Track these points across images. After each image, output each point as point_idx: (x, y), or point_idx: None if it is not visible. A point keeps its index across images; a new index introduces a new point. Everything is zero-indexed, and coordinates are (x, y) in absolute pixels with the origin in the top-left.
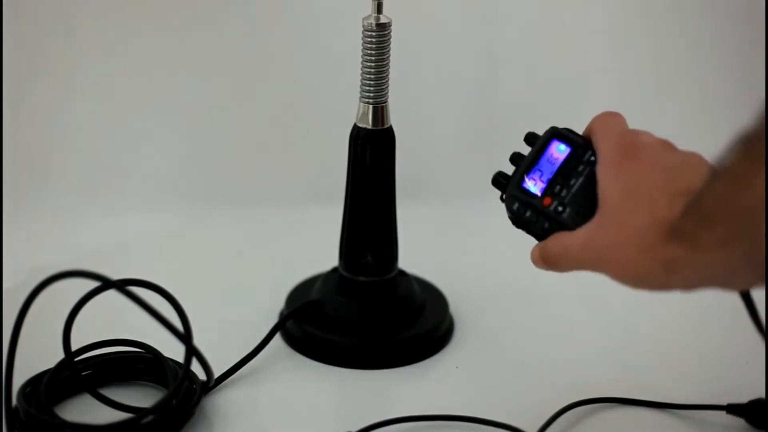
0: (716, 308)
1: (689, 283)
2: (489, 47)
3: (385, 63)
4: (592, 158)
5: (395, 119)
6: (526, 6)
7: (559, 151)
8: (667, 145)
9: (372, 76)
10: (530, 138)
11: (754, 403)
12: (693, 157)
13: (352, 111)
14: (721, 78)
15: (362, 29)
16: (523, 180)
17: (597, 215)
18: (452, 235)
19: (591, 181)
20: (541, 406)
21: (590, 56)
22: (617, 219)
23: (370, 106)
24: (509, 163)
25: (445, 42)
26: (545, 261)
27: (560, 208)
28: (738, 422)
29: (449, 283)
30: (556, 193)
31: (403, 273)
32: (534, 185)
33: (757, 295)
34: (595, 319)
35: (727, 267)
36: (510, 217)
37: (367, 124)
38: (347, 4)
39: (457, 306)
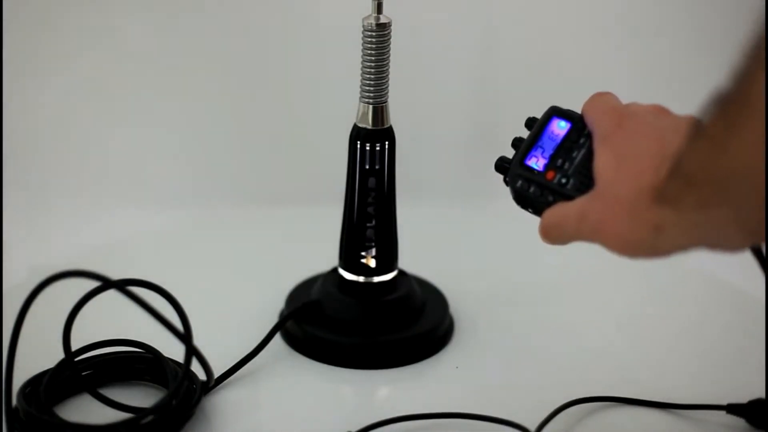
0: (716, 308)
1: (678, 244)
2: (489, 47)
3: (385, 63)
4: None
5: (395, 119)
6: (526, 6)
7: (559, 127)
8: (659, 111)
9: (372, 76)
10: (530, 122)
11: (754, 403)
12: (686, 120)
13: (352, 111)
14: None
15: (362, 29)
16: (525, 158)
17: (594, 187)
18: (452, 235)
19: (592, 152)
20: (541, 406)
21: (591, 56)
22: (609, 189)
23: (370, 106)
24: (512, 149)
25: (445, 42)
26: (544, 232)
27: (564, 180)
28: (738, 422)
29: (449, 283)
30: (559, 167)
31: (403, 273)
32: (536, 162)
33: None
34: (595, 319)
35: (713, 228)
36: (513, 197)
37: (367, 124)
38: (347, 4)
39: (457, 306)
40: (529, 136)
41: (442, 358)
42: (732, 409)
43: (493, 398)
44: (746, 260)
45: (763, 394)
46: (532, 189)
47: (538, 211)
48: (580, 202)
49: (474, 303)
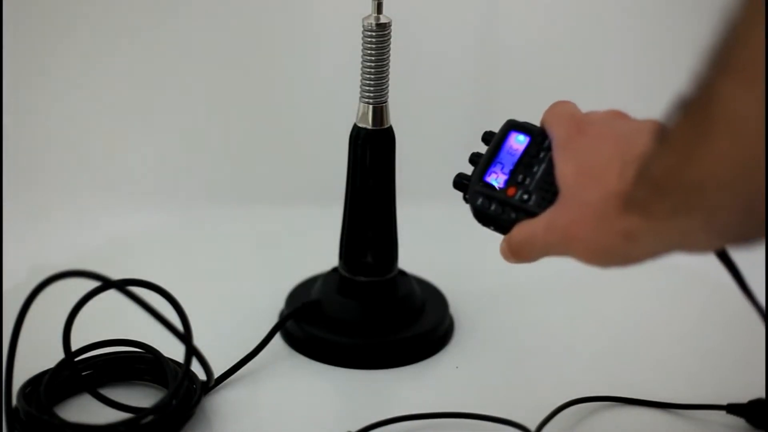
0: (716, 308)
1: (650, 251)
2: (489, 47)
3: (385, 63)
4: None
5: (395, 119)
6: (526, 6)
7: (518, 141)
8: (617, 115)
9: (372, 76)
10: (488, 136)
11: (754, 403)
12: (646, 124)
13: (352, 111)
14: None
15: (362, 29)
16: (484, 175)
17: (558, 197)
18: (452, 235)
19: (553, 165)
20: (541, 406)
21: (591, 56)
22: (574, 197)
23: (370, 106)
24: (470, 165)
25: (445, 42)
26: (512, 252)
27: (525, 196)
28: (738, 422)
29: (449, 283)
30: (520, 182)
31: (403, 273)
32: (496, 178)
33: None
34: (595, 319)
35: (684, 234)
36: (474, 215)
37: (367, 124)
38: (347, 4)
39: (457, 306)
40: (487, 151)
41: (442, 358)
42: (732, 409)
43: (493, 398)
44: (746, 261)
45: (763, 394)
46: (493, 206)
47: (500, 229)
48: (545, 215)
49: (474, 303)
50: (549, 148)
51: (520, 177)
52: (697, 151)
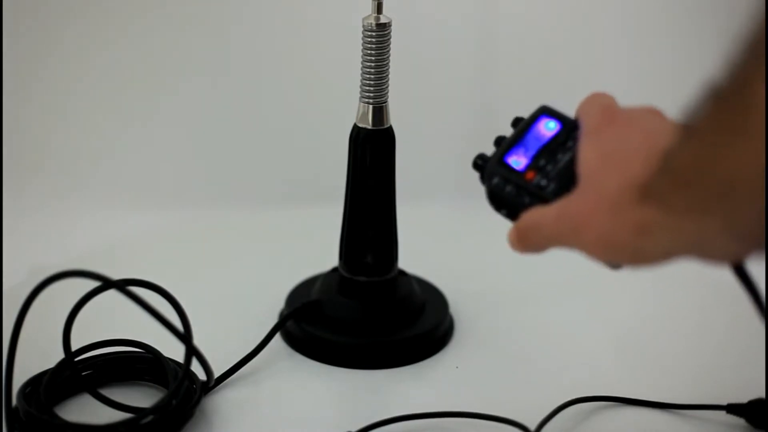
0: (716, 308)
1: (662, 249)
2: (489, 47)
3: (385, 63)
4: None
5: (395, 119)
6: (526, 6)
7: (547, 128)
8: (652, 111)
9: (372, 76)
10: (517, 121)
11: (754, 403)
12: (680, 124)
13: (352, 111)
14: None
15: (362, 29)
16: (505, 155)
17: (576, 186)
18: (452, 235)
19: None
20: (541, 406)
21: (593, 58)
22: (592, 184)
23: (370, 106)
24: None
25: (445, 42)
26: (519, 237)
27: (544, 182)
28: (738, 422)
29: (449, 283)
30: (541, 168)
31: (403, 273)
32: (517, 160)
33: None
34: (595, 319)
35: (702, 234)
36: (488, 194)
37: (367, 124)
38: (347, 4)
39: (457, 306)
40: (513, 133)
41: (442, 358)
42: (732, 409)
43: (493, 398)
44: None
45: (763, 394)
46: (508, 188)
47: (511, 214)
48: (559, 203)
49: (474, 303)
50: (578, 139)
51: (543, 162)
52: (726, 144)
